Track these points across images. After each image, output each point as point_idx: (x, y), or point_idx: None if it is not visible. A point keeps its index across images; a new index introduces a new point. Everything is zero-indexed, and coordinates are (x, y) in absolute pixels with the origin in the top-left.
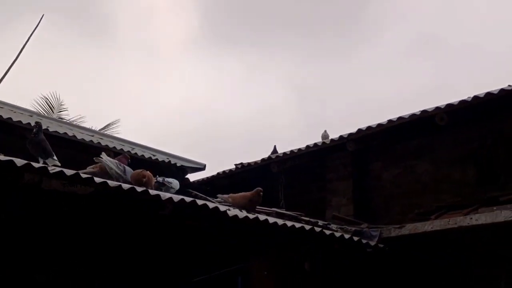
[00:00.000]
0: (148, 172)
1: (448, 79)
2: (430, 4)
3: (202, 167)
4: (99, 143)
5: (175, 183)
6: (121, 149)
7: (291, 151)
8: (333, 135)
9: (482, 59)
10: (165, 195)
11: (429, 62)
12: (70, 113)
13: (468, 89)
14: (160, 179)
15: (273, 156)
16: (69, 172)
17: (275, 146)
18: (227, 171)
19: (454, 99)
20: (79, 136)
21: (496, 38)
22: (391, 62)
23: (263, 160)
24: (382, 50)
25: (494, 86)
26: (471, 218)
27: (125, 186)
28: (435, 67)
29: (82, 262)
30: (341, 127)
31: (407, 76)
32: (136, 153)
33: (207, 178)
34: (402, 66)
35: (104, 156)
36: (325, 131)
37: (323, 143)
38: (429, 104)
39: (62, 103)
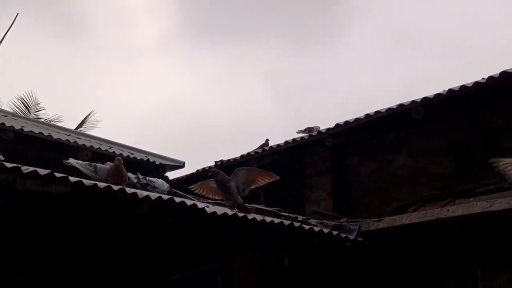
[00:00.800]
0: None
1: (427, 72)
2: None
3: (181, 165)
4: (75, 142)
5: (158, 182)
6: (99, 148)
7: (270, 147)
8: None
9: (461, 52)
10: (142, 193)
11: (408, 56)
12: (48, 113)
13: (448, 83)
14: (141, 178)
15: (252, 153)
16: (43, 171)
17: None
18: (207, 168)
19: (431, 92)
20: (55, 136)
21: (475, 31)
22: (371, 56)
23: (242, 156)
24: (360, 44)
25: (472, 79)
26: (448, 210)
27: (101, 185)
28: (414, 60)
29: (59, 261)
30: (321, 121)
31: (387, 70)
32: (114, 152)
33: (187, 175)
34: (382, 60)
35: (72, 160)
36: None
37: (302, 138)
38: (409, 98)
39: (39, 103)
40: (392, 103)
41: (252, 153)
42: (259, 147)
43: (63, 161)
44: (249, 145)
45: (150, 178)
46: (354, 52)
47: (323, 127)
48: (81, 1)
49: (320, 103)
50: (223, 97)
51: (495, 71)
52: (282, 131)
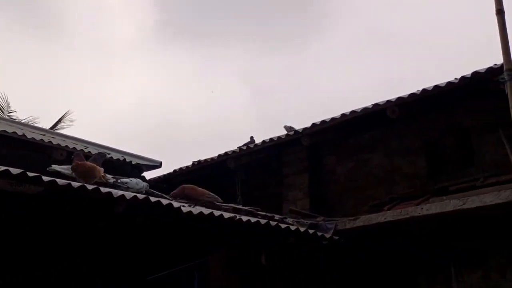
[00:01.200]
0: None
1: (400, 72)
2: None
3: (158, 165)
4: (50, 142)
5: (132, 182)
6: (74, 148)
7: (248, 147)
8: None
9: (432, 53)
10: (117, 192)
11: (383, 56)
12: (21, 115)
13: (421, 83)
14: (111, 179)
15: (230, 152)
16: (15, 170)
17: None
18: (184, 168)
19: (406, 92)
20: (29, 135)
21: (446, 32)
22: (346, 55)
23: (219, 156)
24: (336, 43)
25: (444, 79)
26: (422, 208)
27: (75, 184)
28: (389, 60)
29: (32, 262)
30: (296, 120)
31: (362, 69)
32: (89, 152)
33: (164, 176)
34: (357, 59)
35: (54, 166)
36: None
37: (279, 138)
38: (385, 97)
39: (10, 105)
40: (368, 102)
41: (230, 153)
42: (244, 145)
43: (47, 168)
44: (226, 144)
45: (123, 180)
46: (330, 52)
47: (298, 126)
48: (55, 1)
49: (295, 103)
50: (198, 97)
51: (466, 71)
52: (258, 130)
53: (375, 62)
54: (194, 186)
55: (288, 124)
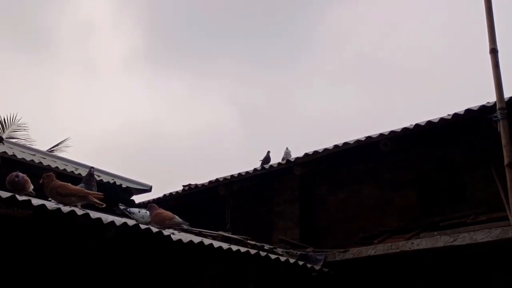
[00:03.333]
0: (19, 173)
1: (389, 100)
2: (374, 28)
3: (148, 189)
4: (40, 162)
5: (138, 215)
6: (64, 169)
7: (239, 174)
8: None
9: (424, 84)
10: (107, 218)
11: (372, 83)
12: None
13: (408, 112)
14: (122, 208)
15: (221, 179)
16: (4, 194)
17: (268, 152)
18: (174, 193)
19: (396, 124)
20: (19, 156)
21: (438, 63)
22: (335, 81)
23: (210, 182)
24: (324, 67)
25: (435, 112)
26: (412, 243)
27: (65, 209)
28: (376, 89)
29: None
30: (283, 142)
31: (350, 95)
32: (80, 174)
33: (153, 200)
34: (345, 85)
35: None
36: (287, 148)
37: (271, 166)
38: (371, 126)
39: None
40: (357, 129)
41: (221, 179)
42: (261, 162)
43: (115, 207)
44: (215, 167)
45: (131, 209)
46: (319, 74)
47: (286, 146)
48: (44, 17)
49: (283, 124)
50: (186, 119)
51: (456, 103)
52: (246, 150)
53: (364, 88)
54: (161, 210)
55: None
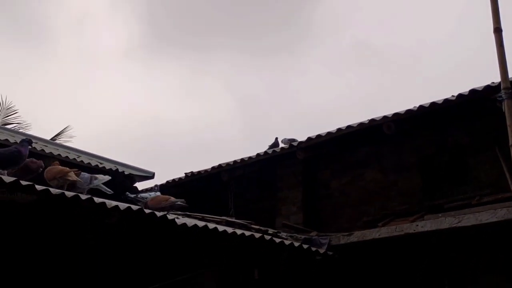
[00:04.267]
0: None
1: (388, 87)
2: (371, 14)
3: (151, 176)
4: (42, 150)
5: (151, 197)
6: (66, 156)
7: (241, 159)
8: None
9: (422, 68)
10: (110, 203)
11: (369, 70)
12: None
13: (408, 98)
14: (132, 196)
15: (223, 164)
16: (8, 179)
17: (276, 139)
18: (177, 180)
19: (398, 107)
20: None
21: (439, 48)
22: (332, 69)
23: (213, 168)
24: (322, 57)
25: (435, 95)
26: (417, 225)
27: (68, 193)
28: (374, 73)
29: (26, 272)
30: (285, 133)
31: (348, 83)
32: (82, 161)
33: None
34: (343, 73)
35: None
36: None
37: (273, 151)
38: (372, 111)
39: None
40: (355, 116)
41: (223, 165)
42: (269, 147)
43: (122, 196)
44: (213, 155)
45: (143, 194)
46: (317, 64)
47: (285, 136)
48: (40, 8)
49: (282, 114)
50: (184, 108)
51: (457, 88)
52: (245, 141)
53: (360, 74)
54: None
55: (287, 138)
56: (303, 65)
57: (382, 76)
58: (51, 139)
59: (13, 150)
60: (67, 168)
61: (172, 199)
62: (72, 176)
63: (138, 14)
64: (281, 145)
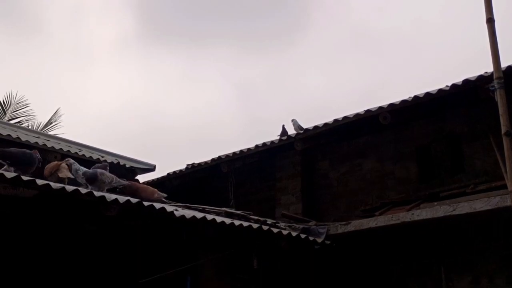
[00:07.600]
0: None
1: (386, 73)
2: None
3: (152, 168)
4: (44, 144)
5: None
6: (68, 150)
7: (241, 151)
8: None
9: (420, 55)
10: (110, 196)
11: (368, 56)
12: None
13: (407, 84)
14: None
15: (223, 156)
16: (10, 174)
17: (283, 126)
18: (178, 172)
19: (395, 97)
20: (24, 138)
21: (435, 35)
22: (330, 57)
23: (213, 160)
24: (320, 43)
25: (432, 84)
26: (413, 214)
27: (69, 188)
28: (374, 61)
29: (27, 265)
30: (281, 120)
31: (346, 71)
32: (84, 155)
33: (158, 179)
34: (341, 61)
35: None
36: (293, 120)
37: (272, 142)
38: (371, 100)
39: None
40: (354, 103)
41: (223, 157)
42: (279, 135)
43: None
44: (212, 146)
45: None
46: (315, 51)
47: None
48: (35, 1)
49: (280, 102)
50: (182, 99)
51: (454, 75)
52: (244, 131)
53: (361, 62)
54: (146, 186)
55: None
56: (303, 54)
57: (383, 63)
58: (45, 125)
59: (26, 152)
60: (59, 162)
61: (161, 194)
62: (63, 172)
63: (132, 4)
64: (292, 127)
